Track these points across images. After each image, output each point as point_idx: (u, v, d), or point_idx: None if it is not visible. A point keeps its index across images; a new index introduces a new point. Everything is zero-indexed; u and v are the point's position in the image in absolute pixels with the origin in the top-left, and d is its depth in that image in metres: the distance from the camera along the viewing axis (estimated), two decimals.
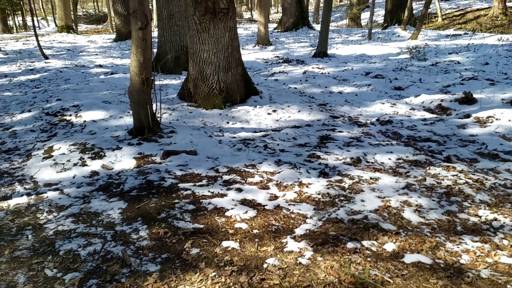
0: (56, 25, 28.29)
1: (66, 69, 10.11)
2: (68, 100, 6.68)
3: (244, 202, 3.38)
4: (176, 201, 3.44)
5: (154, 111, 5.06)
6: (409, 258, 2.58)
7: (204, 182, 3.80)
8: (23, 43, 16.41)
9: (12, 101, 7.41)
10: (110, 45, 15.05)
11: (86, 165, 4.36)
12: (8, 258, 2.76)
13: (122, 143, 4.80)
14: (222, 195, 3.51)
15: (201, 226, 3.04)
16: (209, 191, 3.59)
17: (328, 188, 3.60)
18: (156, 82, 8.33)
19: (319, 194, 3.50)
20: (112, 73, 9.24)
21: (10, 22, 28.79)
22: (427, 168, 4.03)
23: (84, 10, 35.76)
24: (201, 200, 3.43)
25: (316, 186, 3.64)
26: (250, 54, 12.53)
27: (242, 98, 6.49)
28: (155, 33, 18.25)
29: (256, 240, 2.82)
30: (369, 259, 2.57)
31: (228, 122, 5.64)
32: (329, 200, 3.40)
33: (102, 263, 2.66)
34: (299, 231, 2.92)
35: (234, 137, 5.10)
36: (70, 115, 6.03)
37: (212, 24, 5.98)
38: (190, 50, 6.34)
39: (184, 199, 3.48)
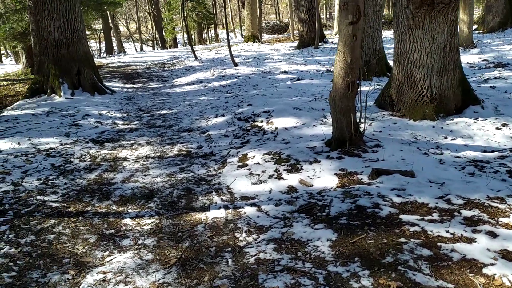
0: (242, 36, 30.53)
1: (253, 75, 10.28)
2: (259, 106, 6.50)
3: (507, 256, 2.37)
4: (403, 240, 2.62)
5: (357, 121, 4.35)
6: None
7: (435, 216, 2.89)
8: (215, 53, 17.80)
9: (207, 105, 7.66)
10: (292, 52, 15.13)
11: (282, 178, 3.89)
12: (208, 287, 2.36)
13: (320, 156, 4.21)
14: (469, 240, 2.55)
15: (450, 285, 2.16)
16: (446, 231, 2.67)
17: None
18: None
19: None
20: (298, 79, 8.95)
21: (204, 35, 32.22)
22: None
23: (266, 22, 37.89)
24: (438, 244, 2.54)
25: None
26: None
27: (458, 107, 5.29)
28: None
29: None
30: None
31: (446, 137, 4.56)
32: None
33: None
34: None
35: (458, 157, 4.02)
36: (262, 121, 5.78)
37: (428, 18, 4.99)
38: (396, 50, 5.46)
39: (413, 238, 2.63)
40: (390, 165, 3.83)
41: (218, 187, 3.88)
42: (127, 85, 11.38)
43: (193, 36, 30.93)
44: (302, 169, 3.99)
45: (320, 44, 15.28)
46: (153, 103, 8.52)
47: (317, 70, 10.37)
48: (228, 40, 12.31)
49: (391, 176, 3.57)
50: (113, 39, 26.74)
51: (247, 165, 4.32)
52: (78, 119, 6.89)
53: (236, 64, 12.05)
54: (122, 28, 41.63)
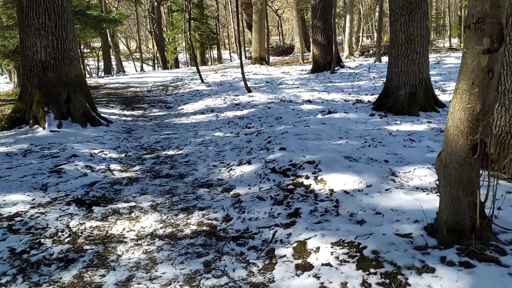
0: (246, 57, 29.20)
1: (272, 104, 8.76)
2: (296, 151, 4.94)
3: None
4: None
5: (483, 201, 2.78)
6: None
7: None
8: (222, 75, 16.35)
9: (225, 144, 6.09)
10: (307, 76, 13.68)
11: None
12: None
13: (428, 256, 2.62)
14: None
15: None
16: None
17: None
18: (390, 127, 6.16)
19: None
20: (329, 112, 7.43)
21: (206, 55, 30.90)
22: None
23: (269, 43, 36.71)
24: None
25: None
26: None
27: None
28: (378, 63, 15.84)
29: None
30: None
31: None
32: None
33: None
34: None
35: None
36: (307, 177, 4.20)
37: None
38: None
39: None
40: None
41: None
42: (125, 112, 9.82)
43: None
44: (409, 285, 2.40)
45: (336, 68, 13.86)
46: (157, 138, 6.93)
47: (345, 100, 8.86)
48: (241, 63, 10.83)
49: None
50: (112, 57, 25.28)
51: (311, 266, 2.71)
52: (63, 162, 5.30)
53: (249, 90, 10.55)
54: (122, 47, 40.30)
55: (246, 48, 30.29)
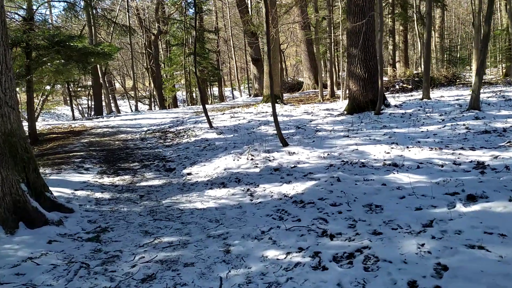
0: (249, 95, 25.99)
1: (338, 170, 5.23)
2: None
3: None
4: None
5: None
6: None
7: None
8: (231, 116, 12.89)
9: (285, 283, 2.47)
10: (346, 119, 10.23)
11: None
12: None
13: None
14: None
15: None
16: None
17: None
18: None
19: None
20: (471, 197, 3.87)
21: (207, 93, 27.63)
22: None
23: None
24: None
25: None
26: None
27: None
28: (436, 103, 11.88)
29: None
30: None
31: None
32: None
33: None
34: None
35: None
36: None
37: None
38: None
39: None
40: None
41: None
42: (104, 180, 6.22)
43: (194, 94, 26.29)
44: None
45: (382, 108, 10.46)
46: (149, 261, 3.27)
47: (454, 163, 5.32)
48: (273, 105, 7.32)
49: None
50: (104, 97, 21.86)
51: None
52: None
53: (285, 143, 7.04)
54: (119, 85, 37.05)
55: (250, 85, 27.15)
